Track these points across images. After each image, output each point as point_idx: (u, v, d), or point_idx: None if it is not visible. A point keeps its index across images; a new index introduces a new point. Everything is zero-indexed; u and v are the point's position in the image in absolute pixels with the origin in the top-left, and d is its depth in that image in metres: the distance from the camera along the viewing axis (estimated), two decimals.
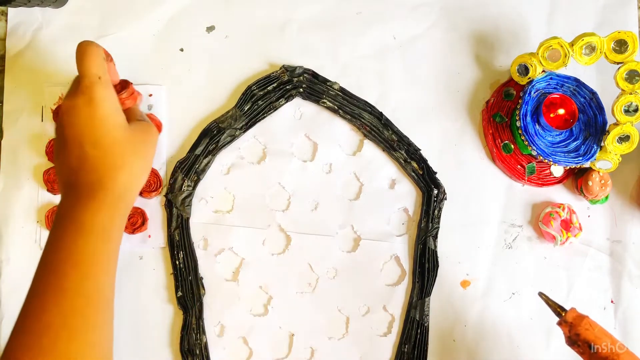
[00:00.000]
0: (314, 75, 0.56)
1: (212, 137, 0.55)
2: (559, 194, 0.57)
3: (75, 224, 0.41)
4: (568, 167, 0.55)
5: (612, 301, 0.56)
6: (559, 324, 0.45)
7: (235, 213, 0.55)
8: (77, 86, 0.42)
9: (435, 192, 0.55)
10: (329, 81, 0.56)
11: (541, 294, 0.46)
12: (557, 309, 0.45)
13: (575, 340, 0.44)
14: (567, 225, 0.55)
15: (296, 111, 0.57)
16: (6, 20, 0.56)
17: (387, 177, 0.57)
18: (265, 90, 0.56)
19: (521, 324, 0.55)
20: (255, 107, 0.55)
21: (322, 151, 0.56)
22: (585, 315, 0.44)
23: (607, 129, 0.53)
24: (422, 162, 0.56)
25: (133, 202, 0.45)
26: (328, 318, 0.55)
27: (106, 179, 0.42)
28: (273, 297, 0.55)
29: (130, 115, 0.47)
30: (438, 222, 0.55)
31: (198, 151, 0.55)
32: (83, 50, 0.43)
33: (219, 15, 0.58)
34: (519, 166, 0.56)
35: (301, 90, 0.56)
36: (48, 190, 0.54)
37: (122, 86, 0.48)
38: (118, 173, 0.42)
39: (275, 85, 0.56)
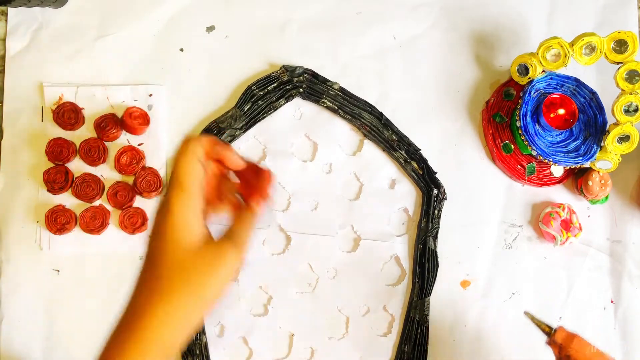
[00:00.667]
0: (314, 75, 0.56)
1: None
2: (559, 194, 0.57)
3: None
4: (568, 167, 0.55)
5: (612, 301, 0.56)
6: (548, 343, 0.43)
7: None
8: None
9: (435, 192, 0.55)
10: (329, 81, 0.56)
11: (526, 313, 0.45)
12: (545, 328, 0.43)
13: None
14: (567, 225, 0.55)
15: (296, 111, 0.57)
16: (6, 20, 0.56)
17: (387, 177, 0.57)
18: (265, 90, 0.56)
19: (521, 324, 0.55)
20: (255, 107, 0.55)
21: (322, 151, 0.56)
22: (575, 334, 0.42)
23: (607, 129, 0.53)
24: (422, 162, 0.56)
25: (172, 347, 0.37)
26: (328, 318, 0.55)
27: (148, 304, 0.36)
28: (273, 297, 0.55)
29: (239, 228, 0.40)
30: (438, 222, 0.55)
31: None
32: (180, 147, 0.38)
33: (219, 15, 0.58)
34: (519, 166, 0.56)
35: (301, 90, 0.56)
36: (48, 190, 0.54)
37: (251, 174, 0.42)
38: (161, 301, 0.36)
39: (275, 85, 0.56)
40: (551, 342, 0.43)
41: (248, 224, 0.40)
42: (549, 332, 0.43)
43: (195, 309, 0.37)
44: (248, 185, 0.42)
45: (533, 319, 0.44)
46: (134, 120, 0.54)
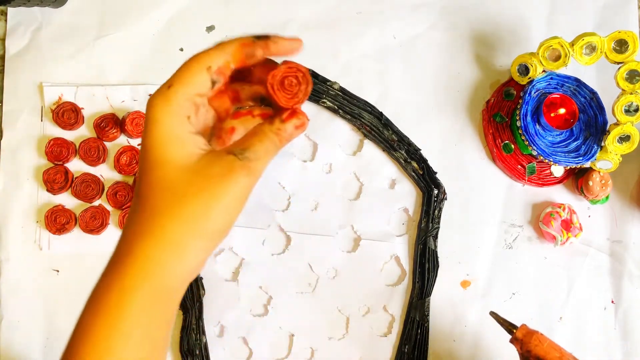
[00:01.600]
0: (314, 75, 0.56)
1: None
2: (560, 194, 0.57)
3: (101, 293, 0.30)
4: (568, 167, 0.55)
5: (612, 301, 0.56)
6: (511, 341, 0.45)
7: None
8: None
9: (436, 192, 0.55)
10: (329, 81, 0.56)
11: (492, 313, 0.46)
12: (509, 327, 0.45)
13: (527, 356, 0.44)
14: (567, 225, 0.54)
15: None
16: (6, 20, 0.56)
17: (387, 177, 0.56)
18: None
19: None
20: None
21: (322, 151, 0.56)
22: (535, 331, 0.44)
23: (607, 128, 0.53)
24: (422, 162, 0.56)
25: (186, 278, 0.31)
26: (328, 318, 0.55)
27: (134, 240, 0.29)
28: (273, 297, 0.55)
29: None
30: (438, 222, 0.55)
31: None
32: (196, 53, 0.33)
33: (219, 15, 0.58)
34: (519, 166, 0.56)
35: None
36: (47, 190, 0.54)
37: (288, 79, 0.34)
38: (149, 233, 0.29)
39: None
40: (513, 340, 0.44)
41: (268, 140, 0.32)
42: (512, 331, 0.45)
43: (192, 243, 0.29)
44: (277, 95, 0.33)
45: (498, 318, 0.46)
46: (135, 127, 0.54)
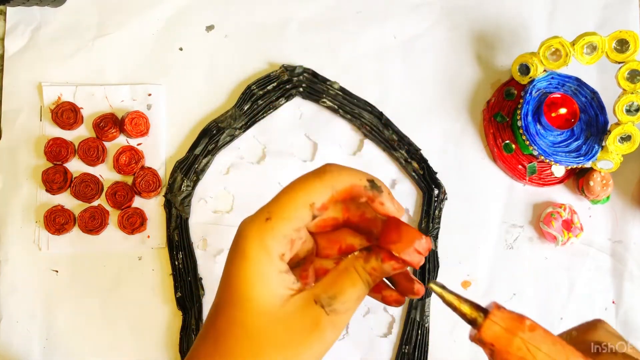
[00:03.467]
0: (314, 74, 0.56)
1: (212, 137, 0.55)
2: (560, 194, 0.57)
3: None
4: (569, 167, 0.55)
5: (613, 301, 0.56)
6: (473, 339, 0.30)
7: (234, 213, 0.55)
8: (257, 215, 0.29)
9: (436, 192, 0.55)
10: (329, 80, 0.56)
11: (433, 285, 0.30)
12: (471, 311, 0.30)
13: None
14: (568, 225, 0.54)
15: (296, 111, 0.56)
16: (5, 20, 0.56)
17: (387, 177, 0.56)
18: (265, 90, 0.55)
19: None
20: (255, 106, 0.55)
21: (322, 151, 0.56)
22: (519, 323, 0.30)
23: (608, 128, 0.53)
24: (423, 162, 0.56)
25: None
26: None
27: None
28: None
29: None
30: (439, 223, 0.55)
31: (197, 151, 0.54)
32: (302, 178, 0.30)
33: (218, 15, 0.57)
34: (520, 166, 0.56)
35: (301, 89, 0.56)
36: (46, 190, 0.53)
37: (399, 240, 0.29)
38: None
39: (275, 84, 0.56)
40: (476, 339, 0.30)
41: (360, 284, 0.29)
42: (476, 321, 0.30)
43: None
44: (373, 238, 0.31)
45: (446, 296, 0.31)
46: (134, 127, 0.54)
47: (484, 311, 0.29)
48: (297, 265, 0.32)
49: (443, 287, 0.29)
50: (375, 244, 0.30)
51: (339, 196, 0.29)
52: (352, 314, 0.29)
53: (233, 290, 0.28)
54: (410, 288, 0.32)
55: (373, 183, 0.30)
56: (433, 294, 0.54)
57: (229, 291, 0.28)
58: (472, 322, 0.28)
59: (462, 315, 0.29)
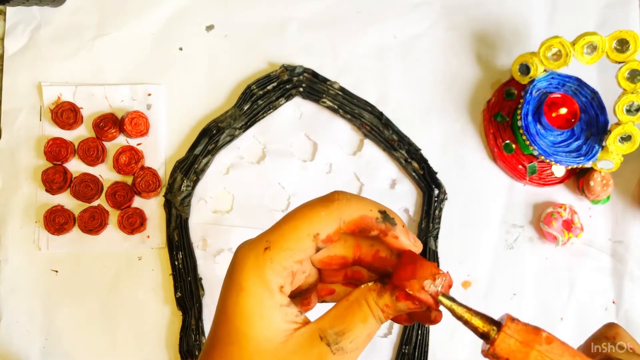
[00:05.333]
0: (314, 74, 0.56)
1: (212, 137, 0.55)
2: (561, 194, 0.57)
3: None
4: (569, 167, 0.55)
5: (613, 302, 0.56)
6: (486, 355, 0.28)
7: (234, 213, 0.55)
8: (257, 241, 0.27)
9: (436, 192, 0.55)
10: (329, 80, 0.56)
11: (444, 299, 0.27)
12: (483, 325, 0.28)
13: None
14: (568, 225, 0.54)
15: (296, 111, 0.56)
16: (4, 20, 0.56)
17: (387, 177, 0.56)
18: (265, 90, 0.55)
19: None
20: (255, 106, 0.55)
21: (322, 151, 0.56)
22: (536, 336, 0.28)
23: (608, 128, 0.53)
24: (423, 162, 0.56)
25: None
26: None
27: None
28: None
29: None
30: (439, 223, 0.55)
31: (197, 151, 0.54)
32: (306, 205, 0.27)
33: (218, 14, 0.57)
34: (520, 166, 0.56)
35: (301, 89, 0.56)
36: (46, 190, 0.53)
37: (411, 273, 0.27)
38: None
39: (275, 84, 0.56)
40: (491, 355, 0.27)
41: (371, 320, 0.27)
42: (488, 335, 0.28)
43: None
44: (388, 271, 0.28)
45: (459, 310, 0.28)
46: (134, 127, 0.54)
47: (497, 324, 0.27)
48: (299, 294, 0.30)
49: (453, 299, 0.27)
50: (389, 281, 0.27)
51: (347, 228, 0.27)
52: (360, 354, 0.27)
53: (229, 327, 0.26)
54: (427, 317, 0.29)
55: (386, 214, 0.27)
56: None
57: (225, 328, 0.26)
58: (484, 336, 0.27)
59: (474, 329, 0.27)
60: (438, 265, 0.54)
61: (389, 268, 0.28)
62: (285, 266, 0.26)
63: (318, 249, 0.27)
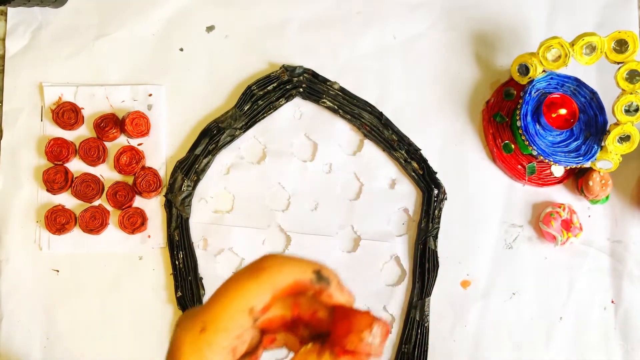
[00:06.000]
0: (314, 74, 0.56)
1: (212, 137, 0.55)
2: (560, 194, 0.57)
3: None
4: (568, 167, 0.55)
5: (612, 301, 0.56)
6: None
7: (235, 213, 0.55)
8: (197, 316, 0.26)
9: (436, 192, 0.55)
10: (329, 81, 0.56)
11: None
12: None
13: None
14: (567, 225, 0.54)
15: (296, 111, 0.57)
16: (6, 20, 0.56)
17: (387, 177, 0.56)
18: (265, 90, 0.56)
19: (521, 324, 0.55)
20: (255, 107, 0.55)
21: (322, 151, 0.56)
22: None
23: (607, 128, 0.53)
24: (423, 162, 0.56)
25: None
26: None
27: None
28: None
29: None
30: (438, 222, 0.55)
31: (198, 151, 0.55)
32: (235, 279, 0.26)
33: (218, 15, 0.57)
34: (519, 166, 0.56)
35: (301, 90, 0.56)
36: (47, 190, 0.53)
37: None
38: None
39: (275, 85, 0.56)
40: None
41: None
42: None
43: None
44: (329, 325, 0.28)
45: None
46: (135, 127, 0.54)
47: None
48: (246, 354, 0.29)
49: None
50: (327, 339, 0.27)
51: (282, 294, 0.26)
52: None
53: None
54: None
55: (319, 274, 0.27)
56: (433, 294, 0.54)
57: None
58: None
59: None
60: (437, 264, 0.54)
61: (326, 329, 0.28)
62: (224, 346, 0.25)
63: (256, 320, 0.26)
